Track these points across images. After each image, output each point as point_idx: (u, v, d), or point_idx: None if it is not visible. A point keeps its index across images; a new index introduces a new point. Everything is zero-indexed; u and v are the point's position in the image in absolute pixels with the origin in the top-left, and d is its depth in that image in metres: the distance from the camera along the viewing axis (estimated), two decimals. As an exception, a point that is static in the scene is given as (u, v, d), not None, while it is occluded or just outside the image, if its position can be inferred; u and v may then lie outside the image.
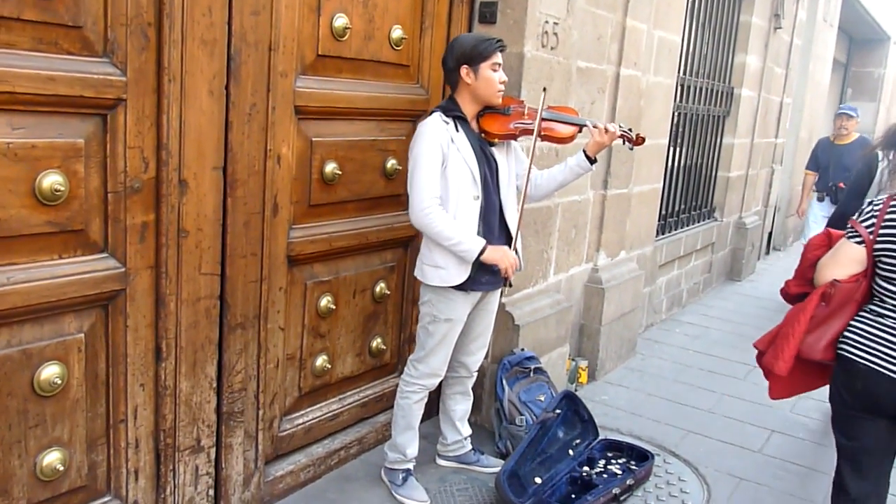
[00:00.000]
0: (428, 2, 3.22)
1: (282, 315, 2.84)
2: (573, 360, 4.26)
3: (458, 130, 2.77)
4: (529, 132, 2.88)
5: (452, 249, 2.71)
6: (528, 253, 3.64)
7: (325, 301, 3.02)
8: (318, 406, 3.13)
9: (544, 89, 2.94)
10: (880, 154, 5.41)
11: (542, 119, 2.88)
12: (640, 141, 2.94)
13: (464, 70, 2.75)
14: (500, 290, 3.07)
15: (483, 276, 2.84)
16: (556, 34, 3.52)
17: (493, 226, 2.87)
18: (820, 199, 6.51)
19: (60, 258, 2.12)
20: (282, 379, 2.91)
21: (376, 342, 3.34)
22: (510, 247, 2.87)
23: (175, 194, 2.32)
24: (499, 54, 2.78)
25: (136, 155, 2.21)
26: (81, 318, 2.20)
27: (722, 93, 6.45)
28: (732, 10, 6.36)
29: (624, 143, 2.97)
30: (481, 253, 2.71)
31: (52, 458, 2.17)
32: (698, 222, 6.45)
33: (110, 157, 2.16)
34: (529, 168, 2.91)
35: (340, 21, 2.79)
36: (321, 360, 3.07)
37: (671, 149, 5.60)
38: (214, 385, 2.59)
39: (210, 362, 2.55)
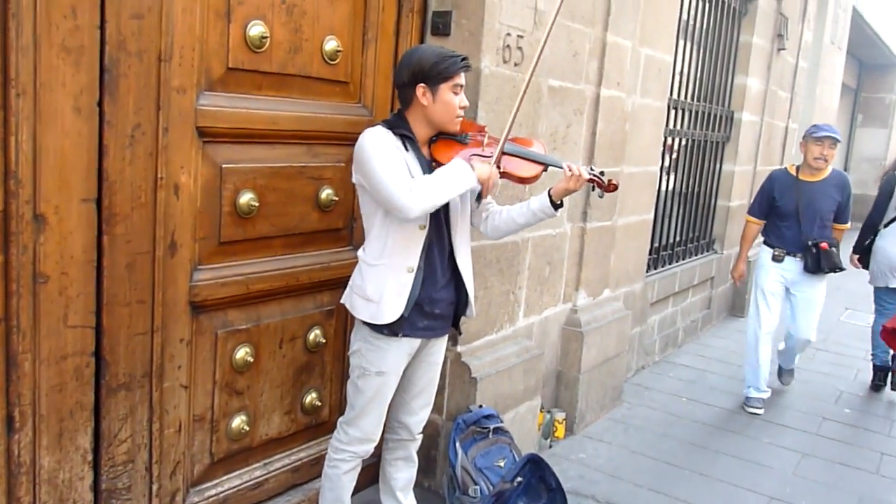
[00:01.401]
0: (371, 11, 2.83)
1: (184, 371, 2.41)
2: (548, 412, 3.81)
3: (407, 150, 2.37)
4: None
5: (455, 190, 2.32)
6: (491, 294, 3.21)
7: (243, 353, 2.60)
8: (236, 473, 2.70)
9: (514, 116, 2.50)
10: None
11: (504, 153, 2.47)
12: (611, 187, 2.51)
13: (420, 89, 2.35)
14: (445, 338, 2.64)
15: (421, 321, 2.42)
16: (520, 48, 3.12)
17: (437, 265, 2.45)
18: (777, 259, 4.56)
19: None
20: (187, 445, 2.48)
21: (310, 397, 2.91)
22: (462, 297, 2.48)
23: (28, 232, 1.91)
24: (462, 75, 2.39)
25: (-25, 185, 1.82)
26: None
27: (721, 117, 6.04)
28: (731, 30, 5.97)
29: (593, 188, 2.55)
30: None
31: None
32: (696, 255, 6.01)
33: (-61, 188, 1.77)
34: (486, 195, 2.50)
35: (257, 30, 2.40)
36: (238, 421, 2.64)
37: (664, 177, 5.18)
38: (90, 458, 2.16)
39: (82, 432, 2.13)
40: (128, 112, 2.08)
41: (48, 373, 2.02)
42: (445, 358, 3.09)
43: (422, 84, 2.35)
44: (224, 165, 2.42)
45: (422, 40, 3.04)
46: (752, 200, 4.67)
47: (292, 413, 2.86)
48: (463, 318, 2.64)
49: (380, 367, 2.43)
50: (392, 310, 2.37)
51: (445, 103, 2.36)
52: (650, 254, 5.09)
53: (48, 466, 2.06)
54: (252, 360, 2.63)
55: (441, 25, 2.99)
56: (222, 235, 2.46)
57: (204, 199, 2.38)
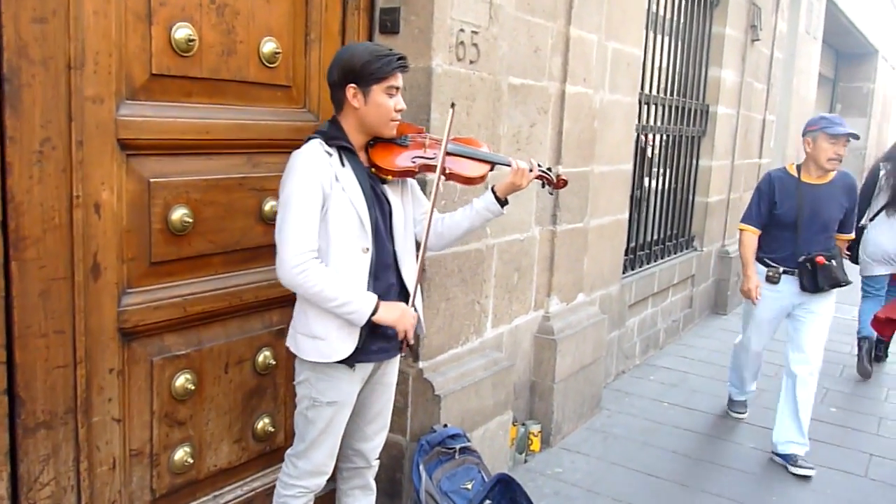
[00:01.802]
0: (313, 9, 2.66)
1: (115, 403, 2.23)
2: (522, 425, 3.64)
3: (343, 164, 2.18)
4: (432, 169, 2.30)
5: (337, 312, 2.11)
6: (455, 306, 3.04)
7: (183, 380, 2.41)
8: (181, 509, 2.51)
9: (452, 105, 2.37)
10: (881, 165, 5.01)
11: (448, 153, 2.31)
12: (561, 183, 2.36)
13: (350, 90, 2.17)
14: (398, 358, 2.47)
15: (374, 344, 2.24)
16: (475, 45, 2.95)
17: (387, 283, 2.27)
18: (773, 280, 3.81)
19: None
20: (124, 482, 2.30)
21: (262, 423, 2.72)
22: (408, 303, 2.28)
23: (-82, 263, 1.73)
24: (399, 76, 2.21)
25: None
26: None
27: (696, 111, 5.91)
28: (703, 21, 5.83)
29: (543, 185, 2.39)
30: (373, 312, 2.12)
31: None
32: (675, 253, 5.86)
33: None
34: (431, 211, 2.32)
35: (183, 32, 2.22)
36: (182, 453, 2.45)
37: (639, 175, 5.03)
38: (6, 505, 1.98)
39: (-4, 477, 1.94)
40: (34, 126, 1.90)
41: (-49, 416, 1.83)
42: (407, 375, 2.93)
43: (352, 85, 2.17)
44: (152, 180, 2.24)
45: (370, 39, 2.87)
46: (747, 207, 4.00)
47: (243, 441, 2.68)
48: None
49: (332, 398, 2.25)
50: (343, 345, 2.18)
51: (378, 106, 2.19)
52: (626, 254, 4.94)
53: (-43, 518, 1.88)
54: (193, 387, 2.44)
55: (389, 23, 2.82)
56: (154, 255, 2.27)
57: (131, 216, 2.20)
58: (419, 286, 2.34)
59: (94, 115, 2.04)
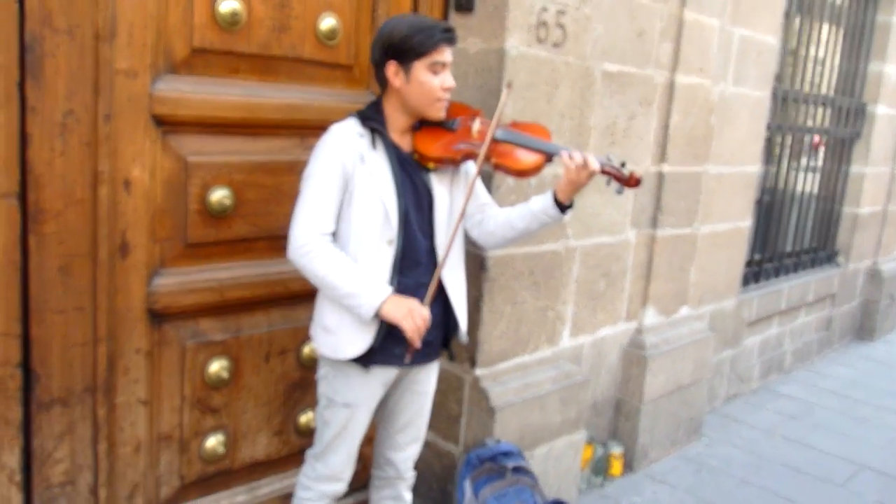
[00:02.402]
0: (382, -15, 2.50)
1: (143, 385, 2.18)
2: (601, 445, 3.33)
3: (374, 147, 2.01)
4: (476, 156, 2.07)
5: (343, 303, 1.95)
6: (522, 311, 2.79)
7: (218, 366, 2.34)
8: (212, 497, 2.44)
9: (508, 85, 2.11)
10: None
11: (495, 141, 2.06)
12: (633, 181, 2.03)
13: (391, 67, 1.99)
14: (435, 365, 2.26)
15: (397, 346, 2.05)
16: (561, 26, 2.67)
17: (416, 281, 2.05)
18: None
19: None
20: (149, 465, 2.25)
21: (306, 417, 2.61)
22: (432, 307, 2.05)
23: (-68, 228, 1.73)
24: (445, 50, 1.98)
25: None
26: None
27: (849, 110, 5.23)
28: (864, 8, 5.14)
29: (608, 182, 2.08)
30: (380, 306, 1.92)
31: None
32: (811, 268, 5.23)
33: None
34: (464, 207, 2.07)
35: (228, 5, 2.12)
36: (214, 441, 2.38)
37: (771, 178, 4.50)
38: (18, 478, 1.97)
39: (8, 450, 1.93)
40: (57, 97, 1.85)
41: (-38, 386, 1.83)
42: (463, 381, 2.72)
43: (393, 61, 1.98)
44: (190, 158, 2.16)
45: (445, 18, 2.67)
46: None
47: (283, 434, 2.58)
48: (457, 341, 2.25)
49: (347, 399, 2.09)
50: (354, 343, 2.01)
51: (421, 84, 1.98)
52: (749, 266, 4.44)
53: (-35, 486, 1.88)
54: (228, 374, 2.36)
55: (464, 1, 2.59)
56: (190, 237, 2.20)
57: (166, 195, 2.14)
58: (443, 285, 2.10)
59: (126, 89, 1.98)
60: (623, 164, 2.05)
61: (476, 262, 2.64)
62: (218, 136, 2.22)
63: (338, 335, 2.02)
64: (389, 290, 1.94)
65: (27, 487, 1.99)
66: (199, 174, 2.19)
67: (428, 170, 2.09)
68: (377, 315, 1.93)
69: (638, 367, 3.42)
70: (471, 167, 2.17)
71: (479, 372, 2.70)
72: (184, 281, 2.21)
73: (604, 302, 3.26)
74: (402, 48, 1.96)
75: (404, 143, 2.07)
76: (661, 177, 3.35)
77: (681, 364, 3.61)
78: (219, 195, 2.22)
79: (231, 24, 2.15)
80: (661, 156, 3.33)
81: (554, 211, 2.06)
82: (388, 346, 2.04)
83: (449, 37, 1.98)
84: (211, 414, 2.38)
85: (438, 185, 2.10)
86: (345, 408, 2.08)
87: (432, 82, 1.98)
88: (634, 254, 3.36)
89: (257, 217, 2.34)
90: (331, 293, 1.95)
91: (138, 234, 2.08)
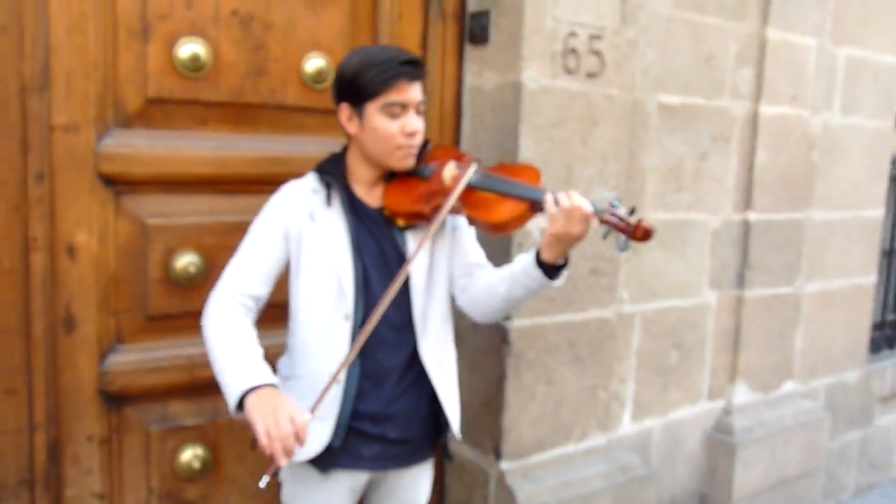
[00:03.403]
0: (381, 20, 2.21)
1: (97, 477, 1.92)
2: (680, 551, 2.76)
3: (328, 205, 1.68)
4: (453, 210, 1.69)
5: (219, 382, 1.54)
6: (562, 391, 2.34)
7: (191, 455, 2.05)
8: None
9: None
10: None
11: (470, 188, 1.67)
12: (641, 233, 1.56)
13: (343, 112, 1.67)
14: (427, 468, 1.85)
15: (365, 447, 1.68)
16: (597, 53, 2.26)
17: (383, 364, 1.68)
18: None
19: None
20: (111, 568, 1.99)
21: (305, 513, 2.27)
22: (411, 395, 1.69)
23: None
24: (406, 87, 1.61)
25: None
26: None
27: None
28: None
29: (606, 235, 1.61)
30: (241, 400, 1.46)
31: None
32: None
33: None
34: (402, 271, 1.64)
35: (189, 49, 1.90)
36: (190, 540, 2.10)
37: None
38: (-60, 585, 1.75)
39: (-73, 552, 1.72)
40: (-25, 157, 1.67)
41: None
42: (487, 476, 2.30)
43: (345, 104, 1.66)
44: (149, 221, 1.93)
45: (460, 54, 2.33)
46: None
47: (277, 532, 2.25)
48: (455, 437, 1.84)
49: (304, 505, 1.74)
50: (310, 441, 1.61)
51: (374, 130, 1.63)
52: (879, 329, 3.70)
53: None
54: (203, 464, 2.07)
55: (478, 31, 2.26)
56: (151, 307, 1.96)
57: (122, 262, 1.91)
58: (424, 368, 1.72)
59: (66, 146, 1.78)
60: (632, 211, 1.59)
61: (496, 333, 2.24)
62: (183, 195, 1.98)
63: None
64: (265, 380, 1.48)
65: None
66: (160, 238, 1.94)
67: (400, 228, 1.73)
68: (240, 408, 1.48)
69: (726, 455, 2.83)
70: (458, 221, 1.79)
71: (504, 466, 2.26)
72: (145, 358, 1.96)
73: (677, 377, 2.73)
74: (352, 88, 1.63)
75: (372, 197, 1.72)
76: (746, 226, 2.80)
77: (784, 451, 2.97)
78: (185, 261, 1.97)
79: (193, 69, 1.92)
80: (746, 201, 2.79)
81: (536, 272, 1.62)
82: (353, 445, 1.68)
83: (408, 71, 1.61)
84: (186, 508, 2.09)
85: (415, 246, 1.72)
86: None
87: (388, 127, 1.62)
88: (716, 319, 2.81)
89: (234, 284, 2.06)
90: (213, 368, 1.55)
91: (86, 306, 1.85)
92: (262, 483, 1.46)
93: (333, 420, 1.64)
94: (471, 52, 2.30)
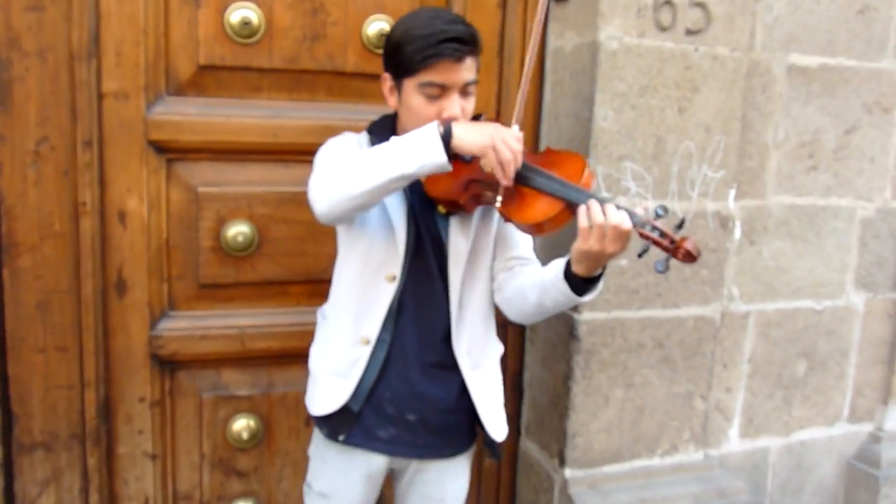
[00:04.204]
0: (456, -27, 2.03)
1: (148, 437, 1.98)
2: None
3: None
4: (489, 200, 1.49)
5: (395, 172, 1.34)
6: (646, 396, 2.05)
7: (243, 425, 2.05)
8: (242, 572, 2.16)
9: (519, 109, 1.49)
10: None
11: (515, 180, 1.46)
12: (682, 252, 1.29)
13: (386, 82, 1.54)
14: (460, 463, 1.68)
15: (381, 428, 1.59)
16: (700, 5, 1.92)
17: (417, 342, 1.57)
18: None
19: None
20: (162, 526, 2.05)
21: (362, 495, 2.20)
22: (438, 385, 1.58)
23: None
24: (449, 67, 1.42)
25: None
26: None
27: None
28: None
29: (641, 254, 1.35)
30: (447, 134, 1.33)
31: None
32: None
33: None
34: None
35: (240, 14, 1.85)
36: (241, 509, 2.11)
37: None
38: (1, 522, 1.88)
39: (-12, 490, 1.86)
40: (27, 123, 1.74)
41: (-63, 419, 1.79)
42: (552, 482, 2.08)
43: (387, 74, 1.52)
44: (200, 189, 1.92)
45: (547, 10, 2.08)
46: None
47: (333, 510, 2.20)
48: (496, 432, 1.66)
49: (321, 486, 1.66)
50: (327, 395, 1.60)
51: (410, 110, 1.48)
52: None
53: (-56, 522, 1.84)
54: (255, 435, 2.06)
55: (561, -17, 2.00)
56: (202, 276, 1.96)
57: (175, 229, 1.93)
58: (456, 359, 1.56)
59: (116, 113, 1.81)
60: (680, 224, 1.31)
61: (563, 326, 2.00)
62: (236, 163, 1.95)
63: (315, 381, 1.64)
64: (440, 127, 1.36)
65: (11, 532, 1.91)
66: (211, 207, 1.94)
67: (442, 215, 1.57)
68: (451, 149, 1.33)
69: (867, 490, 2.36)
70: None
71: (569, 473, 2.03)
72: (196, 326, 1.98)
73: (806, 392, 2.31)
74: (393, 60, 1.49)
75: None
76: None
77: (953, 495, 2.42)
78: (234, 231, 1.95)
79: (245, 35, 1.87)
80: (910, 186, 2.28)
81: (563, 286, 1.39)
82: (368, 421, 1.59)
83: (451, 49, 1.40)
84: (237, 477, 2.10)
85: (457, 231, 1.55)
86: (320, 498, 1.65)
87: (424, 109, 1.46)
88: (863, 327, 2.33)
89: (287, 257, 2.02)
90: (373, 177, 1.35)
91: (137, 270, 1.89)
92: (497, 203, 1.40)
93: (355, 382, 1.56)
94: (555, 9, 2.05)
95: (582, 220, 1.32)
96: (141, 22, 1.79)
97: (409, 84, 1.46)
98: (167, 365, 1.97)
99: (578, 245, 1.32)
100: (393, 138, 1.40)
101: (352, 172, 1.37)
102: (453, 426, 1.64)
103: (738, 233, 2.10)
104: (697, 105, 1.95)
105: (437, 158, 1.33)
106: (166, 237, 1.92)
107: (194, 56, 1.86)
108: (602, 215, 1.29)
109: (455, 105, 1.46)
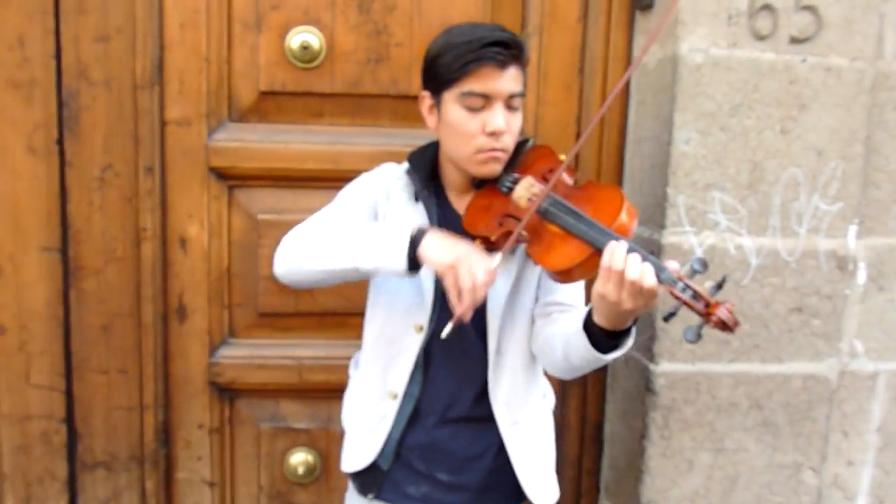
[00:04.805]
0: (533, -14, 1.88)
1: (206, 464, 1.97)
2: None
3: (417, 200, 1.44)
4: (520, 239, 1.32)
5: (362, 265, 1.30)
6: (738, 464, 1.76)
7: (300, 459, 1.99)
8: None
9: (576, 147, 1.31)
10: None
11: (540, 216, 1.29)
12: (716, 321, 1.07)
13: (424, 101, 1.42)
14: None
15: (412, 484, 1.47)
16: (810, 8, 1.63)
17: (448, 396, 1.44)
18: None
19: None
20: (221, 554, 2.03)
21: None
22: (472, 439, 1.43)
23: (-20, 279, 1.81)
24: (490, 73, 1.29)
25: (-64, 227, 1.80)
26: None
27: None
28: None
29: (671, 316, 1.13)
30: (416, 241, 1.27)
31: None
32: None
33: (-85, 227, 1.81)
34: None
35: (300, 39, 1.82)
36: (299, 546, 2.04)
37: None
38: (66, 536, 1.94)
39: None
40: (94, 150, 1.80)
41: (11, 431, 1.87)
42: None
43: (426, 92, 1.40)
44: (260, 217, 1.90)
45: (631, 23, 1.88)
46: None
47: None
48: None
49: (352, 540, 1.56)
50: (356, 451, 1.51)
51: (450, 126, 1.35)
52: None
53: (16, 532, 1.92)
54: (309, 471, 1.99)
55: (646, -7, 1.79)
56: (260, 305, 1.93)
57: (236, 257, 1.91)
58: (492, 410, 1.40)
59: (179, 140, 1.83)
60: (720, 285, 1.09)
61: (640, 377, 1.76)
62: (296, 190, 1.91)
63: (346, 435, 1.55)
64: (416, 228, 1.29)
65: (75, 547, 1.96)
66: (271, 234, 1.89)
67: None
68: (414, 261, 1.26)
69: None
70: None
71: (647, 546, 1.77)
72: (254, 354, 1.95)
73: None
74: (431, 73, 1.38)
75: (462, 205, 1.44)
76: None
77: None
78: (293, 259, 1.90)
79: (305, 60, 1.83)
80: None
81: (584, 340, 1.20)
82: (399, 477, 1.48)
83: (493, 54, 1.27)
84: (295, 512, 2.04)
85: (499, 273, 1.40)
86: None
87: (466, 123, 1.33)
88: None
89: (347, 288, 1.90)
90: (340, 254, 1.31)
91: (197, 297, 1.90)
92: (444, 334, 1.25)
93: (384, 438, 1.45)
94: (640, 20, 1.84)
95: (605, 259, 1.12)
96: (203, 50, 1.80)
97: (449, 97, 1.34)
98: (226, 392, 1.96)
99: (597, 288, 1.13)
100: (370, 224, 1.35)
101: (315, 246, 1.32)
102: (493, 486, 1.47)
103: (862, 277, 1.76)
104: (806, 125, 1.66)
105: (396, 265, 1.26)
106: (227, 265, 1.91)
107: (255, 82, 1.84)
108: (621, 262, 1.08)
109: (499, 117, 1.31)
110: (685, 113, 1.63)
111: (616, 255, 1.10)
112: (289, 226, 1.85)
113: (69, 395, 1.88)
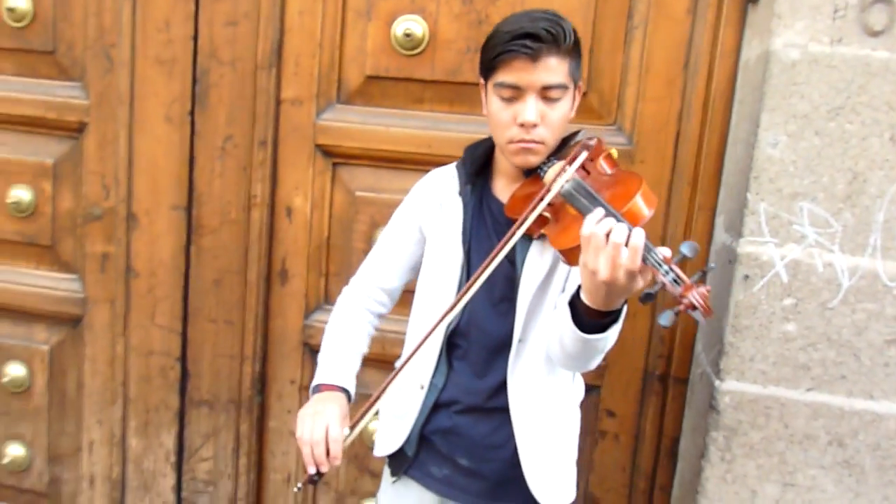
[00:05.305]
0: (640, -24, 1.83)
1: (295, 418, 2.13)
2: None
3: (460, 193, 1.49)
4: (543, 221, 1.33)
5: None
6: (811, 501, 1.60)
7: (376, 427, 2.10)
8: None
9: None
10: None
11: (561, 197, 1.28)
12: (688, 303, 1.01)
13: (482, 89, 1.45)
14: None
15: (436, 466, 1.52)
16: (937, 2, 1.43)
17: (471, 382, 1.47)
18: None
19: (37, 269, 2.23)
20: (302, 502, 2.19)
21: None
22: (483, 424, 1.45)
23: (122, 228, 2.10)
24: (524, 66, 1.29)
25: (97, 181, 2.13)
26: (51, 332, 2.25)
27: None
28: None
29: (647, 297, 1.06)
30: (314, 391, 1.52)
31: (16, 452, 2.30)
32: None
33: (81, 181, 2.14)
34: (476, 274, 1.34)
35: (403, 27, 1.91)
36: (370, 509, 2.15)
37: None
38: (173, 460, 2.20)
39: (166, 431, 2.18)
40: (218, 123, 2.01)
41: (136, 362, 2.16)
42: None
43: (481, 77, 1.44)
44: (358, 193, 2.02)
45: (743, 16, 1.75)
46: None
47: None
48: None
49: (379, 510, 1.64)
50: (386, 437, 1.58)
51: (490, 115, 1.39)
52: None
53: (135, 449, 2.21)
54: (384, 439, 2.09)
55: (754, -16, 1.66)
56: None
57: (332, 229, 2.06)
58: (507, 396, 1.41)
59: (291, 118, 2.00)
60: (703, 276, 1.02)
61: (703, 393, 1.66)
62: (392, 171, 2.01)
63: (380, 424, 1.64)
64: (335, 381, 1.50)
65: (178, 472, 2.21)
66: (367, 211, 2.03)
67: (525, 236, 1.43)
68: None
69: None
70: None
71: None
72: (343, 322, 2.08)
73: None
74: (481, 60, 1.41)
75: (507, 195, 1.46)
76: None
77: None
78: (384, 237, 2.01)
79: (408, 47, 1.92)
80: None
81: (567, 319, 1.18)
82: (424, 458, 1.54)
83: (521, 46, 1.27)
84: (370, 477, 2.15)
85: (535, 258, 1.40)
86: None
87: (500, 113, 1.35)
88: None
89: (432, 268, 2.01)
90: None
91: (298, 263, 2.07)
92: (295, 489, 1.56)
93: (411, 424, 1.52)
94: (750, 14, 1.71)
95: (585, 227, 1.10)
96: (318, 35, 1.95)
97: (489, 86, 1.37)
98: (316, 354, 2.10)
99: (583, 268, 1.10)
100: (332, 349, 1.60)
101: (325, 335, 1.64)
102: (514, 480, 1.46)
103: None
104: (916, 130, 1.46)
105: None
106: (327, 235, 2.05)
107: (362, 67, 1.96)
108: (602, 226, 1.07)
109: (529, 109, 1.31)
110: (774, 113, 1.50)
111: (600, 222, 1.09)
112: (384, 204, 1.98)
113: (184, 337, 2.13)
